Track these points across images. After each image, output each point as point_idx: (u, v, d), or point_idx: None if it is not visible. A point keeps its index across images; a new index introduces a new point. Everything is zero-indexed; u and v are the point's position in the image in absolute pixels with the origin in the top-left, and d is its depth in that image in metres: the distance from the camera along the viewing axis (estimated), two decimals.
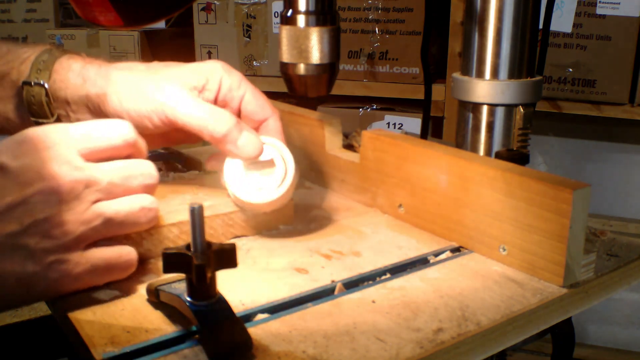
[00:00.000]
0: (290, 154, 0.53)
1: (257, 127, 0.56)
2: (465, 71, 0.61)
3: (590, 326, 1.72)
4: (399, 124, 1.51)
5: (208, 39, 1.65)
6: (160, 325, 0.40)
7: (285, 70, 0.58)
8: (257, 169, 0.53)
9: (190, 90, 0.53)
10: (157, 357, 0.37)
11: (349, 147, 0.67)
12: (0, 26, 1.91)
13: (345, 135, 0.70)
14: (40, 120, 0.56)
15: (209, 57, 1.65)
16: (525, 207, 0.46)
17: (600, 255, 0.51)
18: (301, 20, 0.56)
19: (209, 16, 1.63)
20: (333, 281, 0.46)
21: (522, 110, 0.59)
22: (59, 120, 0.56)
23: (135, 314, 0.41)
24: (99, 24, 0.62)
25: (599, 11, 1.37)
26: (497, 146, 0.61)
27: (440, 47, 1.49)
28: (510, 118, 0.60)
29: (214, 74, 0.54)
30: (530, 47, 0.59)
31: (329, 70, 0.57)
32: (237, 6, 1.59)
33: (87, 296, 0.43)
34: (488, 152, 0.61)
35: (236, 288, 0.44)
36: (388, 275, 0.47)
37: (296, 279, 0.46)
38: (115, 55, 1.70)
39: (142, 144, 0.47)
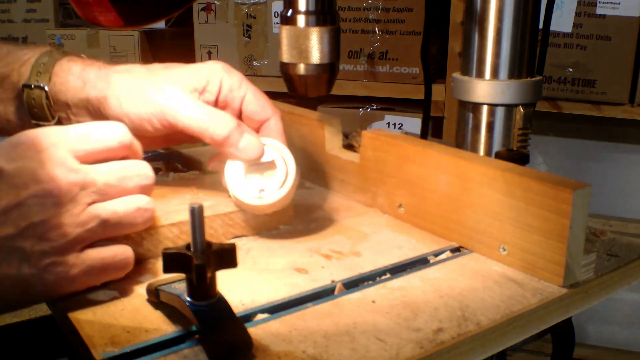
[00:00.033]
0: (291, 155, 0.53)
1: (258, 128, 0.56)
2: (465, 71, 0.61)
3: (590, 326, 1.72)
4: (399, 124, 1.51)
5: (208, 39, 1.65)
6: (160, 325, 0.40)
7: (286, 70, 0.58)
8: (258, 170, 0.53)
9: (190, 93, 0.53)
10: (157, 357, 0.37)
11: (349, 147, 0.67)
12: (0, 26, 1.91)
13: (345, 135, 0.70)
14: (41, 123, 0.56)
15: (209, 57, 1.65)
16: (525, 207, 0.46)
17: (600, 255, 0.51)
18: (301, 20, 0.56)
19: (209, 16, 1.63)
20: (333, 281, 0.46)
21: (522, 110, 0.59)
22: (59, 122, 0.56)
23: (135, 314, 0.41)
24: (99, 24, 0.62)
25: (599, 11, 1.37)
26: (497, 146, 0.61)
27: (440, 47, 1.49)
28: (510, 118, 0.60)
29: (214, 75, 0.54)
30: (530, 47, 0.59)
31: (329, 70, 0.57)
32: (237, 6, 1.59)
33: (87, 296, 0.43)
34: (488, 152, 0.61)
35: (236, 288, 0.44)
36: (388, 275, 0.47)
37: (296, 279, 0.46)
38: (115, 56, 1.70)
39: (138, 146, 0.47)
